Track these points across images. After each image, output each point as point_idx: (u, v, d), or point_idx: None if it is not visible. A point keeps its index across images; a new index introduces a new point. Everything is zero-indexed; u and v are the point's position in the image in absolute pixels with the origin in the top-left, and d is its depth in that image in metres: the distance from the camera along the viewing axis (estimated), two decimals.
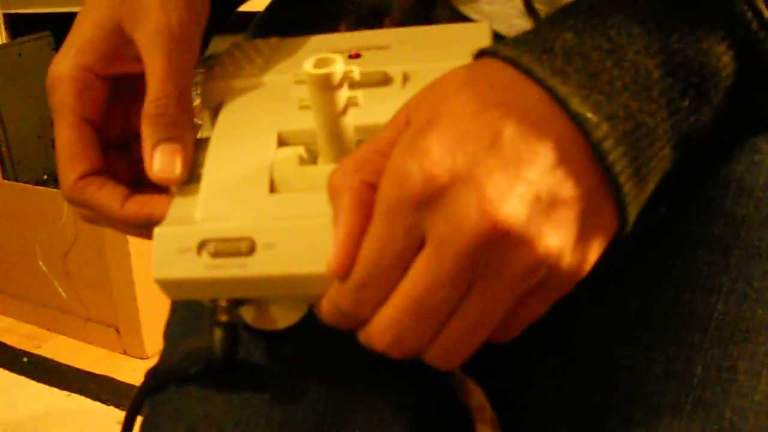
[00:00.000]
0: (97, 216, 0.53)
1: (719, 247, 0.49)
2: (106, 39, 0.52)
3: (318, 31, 0.59)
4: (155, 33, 0.50)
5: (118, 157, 0.55)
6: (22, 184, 1.78)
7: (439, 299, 0.40)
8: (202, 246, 0.46)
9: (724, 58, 0.42)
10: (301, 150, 0.49)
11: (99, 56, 0.52)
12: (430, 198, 0.39)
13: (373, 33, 0.58)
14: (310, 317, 0.49)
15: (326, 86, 0.45)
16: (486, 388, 0.52)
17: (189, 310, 0.61)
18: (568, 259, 0.40)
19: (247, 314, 0.52)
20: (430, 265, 0.39)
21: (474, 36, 0.56)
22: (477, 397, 0.51)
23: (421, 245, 0.40)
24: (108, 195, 0.51)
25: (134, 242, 1.64)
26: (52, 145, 1.84)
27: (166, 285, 0.48)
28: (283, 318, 0.52)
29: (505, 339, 0.44)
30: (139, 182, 0.54)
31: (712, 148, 0.47)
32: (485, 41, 0.55)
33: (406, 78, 0.52)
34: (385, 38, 0.56)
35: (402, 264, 0.40)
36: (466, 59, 0.46)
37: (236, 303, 0.50)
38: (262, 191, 0.48)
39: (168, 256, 0.47)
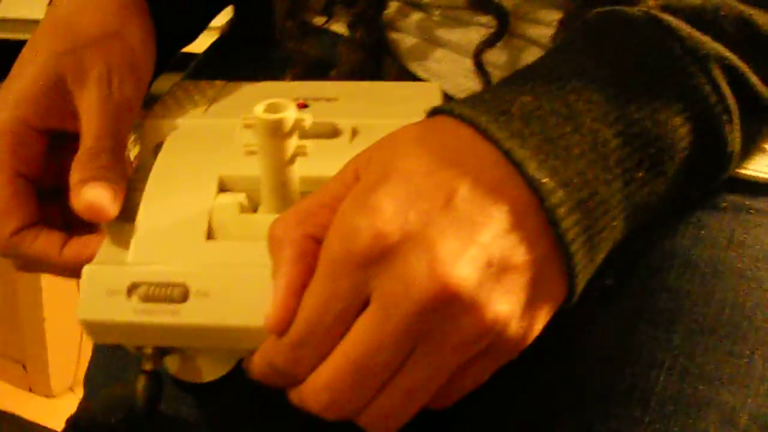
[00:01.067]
0: (33, 264, 0.50)
1: (662, 322, 0.48)
2: (45, 93, 0.51)
3: (262, 79, 0.57)
4: (97, 99, 0.50)
5: (50, 203, 0.52)
6: None
7: (380, 362, 0.38)
8: (132, 289, 0.44)
9: (681, 130, 0.42)
10: (242, 197, 0.48)
11: (37, 110, 0.51)
12: (379, 256, 0.38)
13: (320, 84, 0.57)
14: (239, 371, 0.47)
15: (276, 133, 0.44)
16: None
17: (112, 356, 0.59)
18: (515, 326, 0.39)
19: (172, 365, 0.50)
20: (373, 326, 0.38)
21: (424, 94, 0.55)
22: None
23: (364, 305, 0.39)
24: (44, 244, 0.49)
25: (46, 278, 1.60)
26: None
27: (92, 327, 0.45)
28: (209, 371, 0.50)
29: (442, 406, 0.43)
30: (72, 226, 0.52)
31: (657, 220, 0.46)
32: (436, 100, 0.54)
33: (354, 132, 0.51)
34: (332, 90, 0.55)
35: (343, 323, 0.39)
36: (417, 117, 0.45)
37: (162, 352, 0.48)
38: (199, 237, 0.46)
39: (96, 296, 0.45)
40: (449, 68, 0.59)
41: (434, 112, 0.43)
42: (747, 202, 0.51)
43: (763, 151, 0.52)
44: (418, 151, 0.40)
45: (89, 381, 0.61)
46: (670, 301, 0.49)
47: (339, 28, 0.64)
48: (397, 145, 0.41)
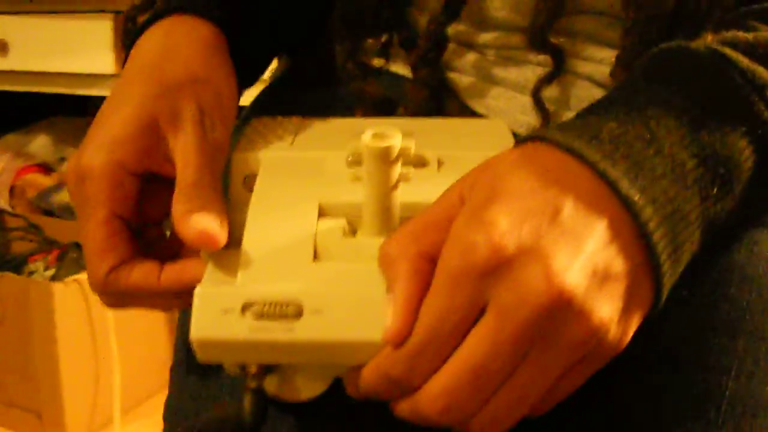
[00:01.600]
0: (129, 299, 0.52)
1: (727, 331, 0.52)
2: (140, 135, 0.53)
3: (329, 116, 0.60)
4: (193, 139, 0.52)
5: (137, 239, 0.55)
6: None
7: (497, 367, 0.42)
8: (246, 307, 0.46)
9: (745, 152, 0.46)
10: (343, 222, 0.50)
11: (132, 152, 0.52)
12: (496, 268, 0.41)
13: (393, 120, 0.59)
14: (335, 392, 0.50)
15: (384, 159, 0.46)
16: None
17: (190, 391, 0.61)
18: (613, 331, 0.43)
19: (270, 384, 0.52)
20: (491, 333, 0.41)
21: (493, 129, 0.58)
22: None
23: (479, 315, 0.42)
24: (142, 275, 0.51)
25: (61, 327, 1.60)
26: None
27: (205, 346, 0.47)
28: (308, 389, 0.52)
29: (540, 413, 0.46)
30: (161, 257, 0.54)
31: (714, 239, 0.50)
32: (505, 133, 0.57)
33: (440, 162, 0.54)
34: (406, 125, 0.57)
35: (461, 332, 0.42)
36: (494, 150, 0.49)
37: (266, 370, 0.49)
38: (306, 258, 0.48)
39: (210, 316, 0.46)
40: (507, 105, 0.63)
41: (526, 139, 0.47)
42: None
43: None
44: (521, 173, 0.43)
45: (170, 415, 0.63)
46: (731, 311, 0.52)
47: (397, 68, 0.68)
48: (500, 168, 0.44)
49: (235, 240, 0.50)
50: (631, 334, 0.45)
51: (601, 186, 0.43)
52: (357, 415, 0.53)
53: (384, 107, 0.64)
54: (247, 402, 0.49)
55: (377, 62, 0.68)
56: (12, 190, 2.02)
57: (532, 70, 0.62)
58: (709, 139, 0.46)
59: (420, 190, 0.49)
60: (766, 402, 0.50)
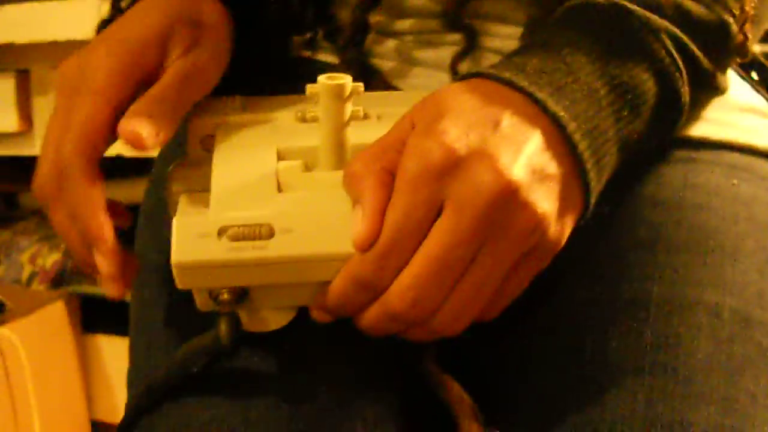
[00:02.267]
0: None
1: (646, 246, 0.59)
2: (155, 43, 0.58)
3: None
4: (180, 61, 0.58)
5: None
6: None
7: (457, 257, 0.48)
8: (222, 231, 0.51)
9: (648, 83, 0.55)
10: (300, 162, 0.56)
11: (147, 54, 0.58)
12: (450, 168, 0.48)
13: None
14: (301, 322, 0.55)
15: (339, 95, 0.53)
16: (462, 383, 0.58)
17: (150, 355, 0.64)
18: (553, 228, 0.50)
19: (241, 317, 0.56)
20: (450, 226, 0.48)
21: (419, 96, 0.65)
22: (455, 391, 0.57)
23: (437, 214, 0.48)
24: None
25: None
26: None
27: (184, 269, 0.51)
28: (274, 321, 0.56)
29: (491, 317, 0.53)
30: None
31: (627, 174, 0.58)
32: None
33: (379, 117, 0.60)
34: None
35: (422, 230, 0.48)
36: None
37: (238, 298, 0.53)
38: (271, 190, 0.54)
39: (189, 241, 0.51)
40: (428, 82, 0.71)
41: (464, 77, 0.55)
42: (693, 155, 0.64)
43: (702, 119, 0.66)
44: (464, 96, 0.51)
45: (135, 378, 0.66)
46: (647, 231, 0.60)
47: (324, 57, 0.75)
48: (445, 94, 0.52)
49: (201, 188, 0.56)
50: (567, 233, 0.52)
51: (531, 106, 0.51)
52: (324, 341, 0.58)
53: None
54: (223, 326, 0.54)
55: (305, 53, 0.75)
56: None
57: (447, 49, 0.70)
58: (617, 71, 0.54)
59: (366, 135, 0.55)
60: (690, 301, 0.57)
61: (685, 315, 0.57)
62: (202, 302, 0.55)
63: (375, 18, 0.72)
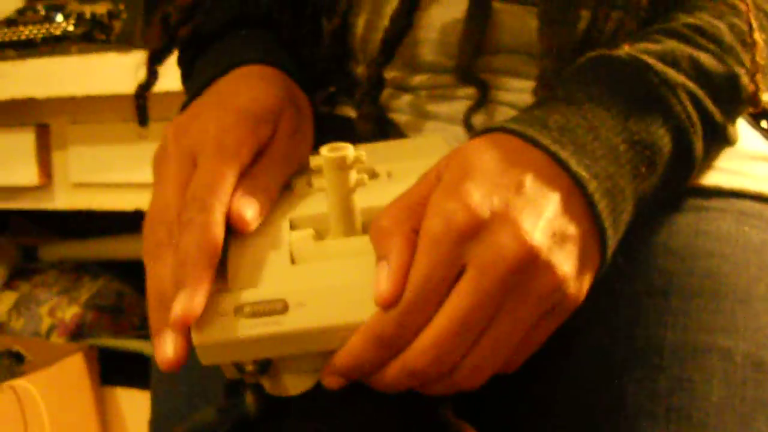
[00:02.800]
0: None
1: (659, 293, 0.60)
2: (271, 111, 0.61)
3: None
4: (278, 142, 0.61)
5: None
6: None
7: (478, 318, 0.49)
8: (238, 310, 0.53)
9: (664, 139, 0.57)
10: (311, 231, 0.57)
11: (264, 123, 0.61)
12: (474, 231, 0.49)
13: None
14: (319, 387, 0.56)
15: (341, 166, 0.54)
16: (479, 430, 0.59)
17: (173, 407, 0.65)
18: (573, 286, 0.51)
19: (265, 384, 0.57)
20: (472, 288, 0.49)
21: (431, 143, 0.67)
22: None
23: (459, 274, 0.49)
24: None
25: None
26: None
27: (206, 348, 0.53)
28: (295, 386, 0.57)
29: (510, 370, 0.54)
30: None
31: (640, 223, 0.59)
32: (443, 145, 0.65)
33: (389, 174, 0.62)
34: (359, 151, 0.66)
35: (444, 290, 0.50)
36: (436, 157, 0.57)
37: (262, 369, 0.55)
38: (285, 263, 0.55)
39: (207, 320, 0.53)
40: (442, 135, 0.72)
41: (485, 131, 0.56)
42: (705, 204, 0.65)
43: (713, 168, 0.67)
44: (488, 155, 0.53)
45: (157, 427, 0.67)
46: (660, 278, 0.61)
47: (342, 112, 0.78)
48: (469, 151, 0.53)
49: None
50: (586, 290, 0.53)
51: (553, 165, 0.52)
52: (340, 405, 0.59)
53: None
54: (249, 396, 0.56)
55: (324, 109, 0.78)
56: None
57: (460, 103, 0.72)
58: (636, 127, 0.56)
59: (375, 197, 0.57)
60: (702, 346, 0.58)
61: (698, 360, 0.58)
62: (228, 372, 0.56)
63: (391, 74, 0.74)
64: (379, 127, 0.73)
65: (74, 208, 1.75)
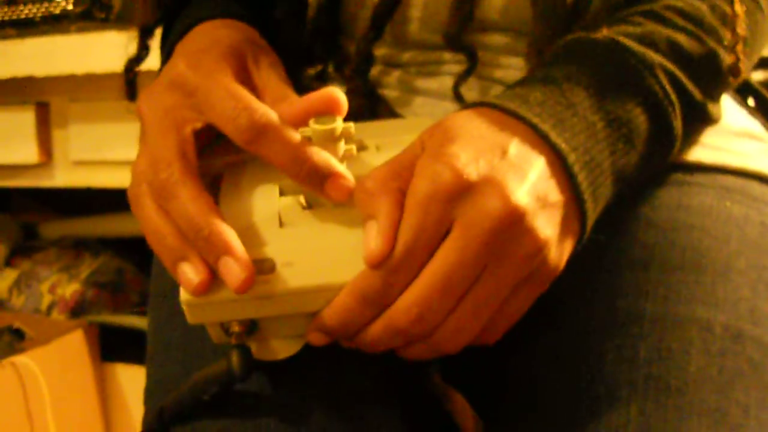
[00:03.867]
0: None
1: (640, 266, 0.62)
2: (238, 59, 0.62)
3: None
4: (272, 71, 0.63)
5: None
6: None
7: (462, 276, 0.51)
8: None
9: (641, 117, 0.58)
10: (300, 198, 0.58)
11: (236, 66, 0.61)
12: (460, 192, 0.50)
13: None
14: (306, 351, 0.57)
15: (330, 138, 0.55)
16: (465, 397, 0.60)
17: (168, 374, 0.67)
18: (554, 253, 0.53)
19: (252, 347, 0.58)
20: (457, 246, 0.50)
21: (420, 122, 0.67)
22: (459, 403, 0.59)
23: (445, 234, 0.51)
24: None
25: None
26: None
27: (193, 306, 0.54)
28: (283, 350, 0.59)
29: (492, 340, 0.55)
30: None
31: (623, 197, 0.61)
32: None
33: (378, 147, 0.63)
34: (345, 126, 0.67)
35: (431, 249, 0.51)
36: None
37: (248, 330, 0.56)
38: (273, 226, 0.56)
39: None
40: (431, 111, 0.74)
41: (470, 105, 0.57)
42: (688, 178, 0.66)
43: (697, 143, 0.68)
44: (473, 123, 0.54)
45: (150, 396, 0.68)
46: (641, 251, 0.62)
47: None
48: (454, 120, 0.55)
49: None
50: (565, 258, 0.55)
51: (535, 136, 0.54)
52: (329, 366, 0.61)
53: None
54: (235, 357, 0.56)
55: (316, 85, 0.78)
56: None
57: (450, 78, 0.72)
58: (612, 106, 0.57)
59: (364, 167, 0.58)
60: (682, 317, 0.60)
61: (677, 330, 0.59)
62: (215, 335, 0.58)
63: (381, 51, 0.75)
64: (369, 103, 0.74)
65: (74, 185, 1.76)
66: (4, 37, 1.71)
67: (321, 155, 0.55)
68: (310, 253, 0.54)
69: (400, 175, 0.53)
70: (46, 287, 1.91)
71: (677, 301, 0.60)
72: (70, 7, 1.70)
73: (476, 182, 0.50)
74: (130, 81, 0.77)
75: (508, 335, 0.56)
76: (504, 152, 0.52)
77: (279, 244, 0.55)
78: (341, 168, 0.55)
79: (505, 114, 0.55)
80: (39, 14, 1.73)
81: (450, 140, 0.52)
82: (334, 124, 0.55)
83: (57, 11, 1.71)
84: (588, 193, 0.54)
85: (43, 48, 1.63)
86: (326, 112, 0.57)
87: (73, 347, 1.75)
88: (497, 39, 0.72)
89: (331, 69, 0.79)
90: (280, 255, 0.54)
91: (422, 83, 0.75)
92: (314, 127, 0.55)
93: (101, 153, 1.70)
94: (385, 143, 0.63)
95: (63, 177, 1.77)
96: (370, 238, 0.51)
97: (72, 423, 1.75)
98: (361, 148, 0.63)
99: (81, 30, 1.65)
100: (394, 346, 0.55)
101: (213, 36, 0.63)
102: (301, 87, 0.77)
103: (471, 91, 0.72)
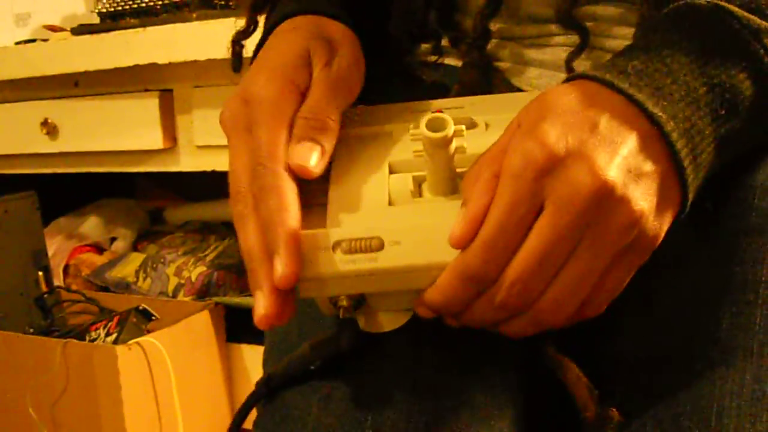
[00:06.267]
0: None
1: (755, 232, 0.60)
2: (302, 64, 0.62)
3: (392, 99, 0.68)
4: (324, 71, 0.61)
5: None
6: (14, 333, 1.79)
7: (559, 251, 0.51)
8: (336, 245, 0.54)
9: (745, 83, 0.56)
10: (409, 177, 0.58)
11: (299, 75, 0.61)
12: (551, 168, 0.50)
13: (446, 100, 0.67)
14: (415, 322, 0.58)
15: (442, 145, 0.54)
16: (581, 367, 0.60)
17: (285, 337, 0.68)
18: (651, 224, 0.52)
19: (360, 320, 0.59)
20: (551, 222, 0.50)
21: (529, 97, 0.66)
22: (573, 371, 0.59)
23: (538, 211, 0.51)
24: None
25: (126, 389, 1.66)
26: (35, 302, 1.89)
27: (303, 281, 0.55)
28: (389, 323, 0.59)
29: (594, 313, 0.55)
30: None
31: (737, 165, 0.60)
32: None
33: (487, 125, 0.62)
34: (457, 102, 0.66)
35: (525, 225, 0.51)
36: None
37: (356, 304, 0.57)
38: (383, 204, 0.57)
39: (307, 255, 0.54)
40: (546, 82, 0.73)
41: (569, 79, 0.57)
42: None
43: None
44: (566, 98, 0.54)
45: (269, 357, 0.71)
46: (758, 217, 0.61)
47: (449, 61, 0.78)
48: (549, 96, 0.54)
49: (321, 201, 0.59)
50: (665, 229, 0.54)
51: (630, 107, 0.53)
52: (437, 338, 0.61)
53: (439, 91, 0.72)
54: (343, 330, 0.58)
55: (432, 58, 0.78)
56: (66, 270, 2.11)
57: (562, 50, 0.72)
58: (715, 72, 0.55)
59: (475, 144, 0.57)
60: None
61: None
62: (324, 308, 0.59)
63: (496, 25, 0.74)
64: (484, 75, 0.73)
65: (199, 169, 1.80)
66: (127, 27, 1.75)
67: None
68: (417, 232, 0.54)
69: (496, 160, 0.53)
70: (172, 270, 1.96)
71: None
72: None
73: (565, 157, 0.51)
74: (237, 54, 0.78)
75: (615, 306, 0.56)
76: (594, 126, 0.52)
77: (387, 222, 0.55)
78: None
79: (601, 85, 0.54)
80: (159, 3, 1.77)
81: (542, 117, 0.52)
82: (446, 131, 0.54)
83: None
84: (688, 161, 0.53)
85: (165, 36, 1.67)
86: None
87: (199, 328, 1.79)
88: (609, 10, 0.71)
89: (445, 43, 0.78)
90: (388, 233, 0.54)
91: (536, 55, 0.74)
92: (426, 135, 0.54)
93: (224, 137, 1.73)
94: (494, 120, 0.62)
95: (188, 162, 1.81)
96: (457, 222, 0.52)
97: (198, 403, 1.79)
98: (471, 125, 0.62)
99: (201, 17, 1.68)
100: (497, 321, 0.55)
101: (286, 43, 0.64)
102: (414, 64, 0.76)
103: (583, 61, 0.70)
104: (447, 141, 0.54)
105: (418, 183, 0.59)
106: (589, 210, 0.50)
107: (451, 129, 0.54)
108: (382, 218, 0.56)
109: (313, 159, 0.57)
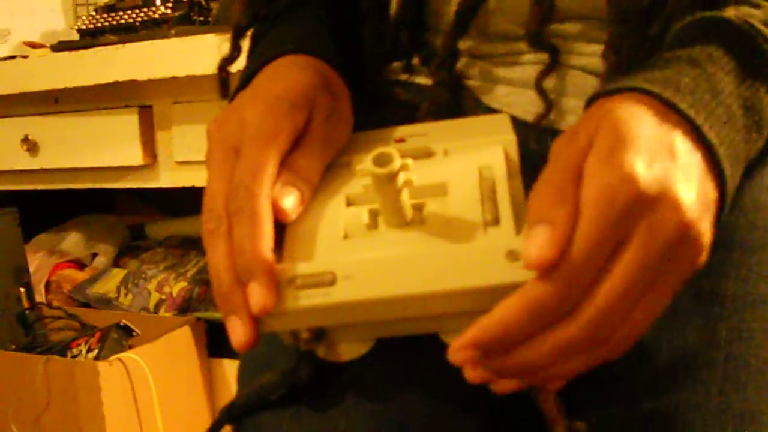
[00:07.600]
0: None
1: (721, 247, 0.60)
2: (303, 93, 0.62)
3: (361, 120, 0.69)
4: (312, 130, 0.62)
5: None
6: None
7: (641, 286, 0.49)
8: (290, 281, 0.55)
9: None
10: (365, 211, 0.59)
11: (298, 103, 0.61)
12: (639, 206, 0.49)
13: (411, 126, 0.68)
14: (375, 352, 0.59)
15: (387, 180, 0.55)
16: None
17: (257, 359, 0.69)
18: (707, 252, 0.52)
19: (319, 350, 0.60)
20: (638, 258, 0.49)
21: (496, 121, 0.67)
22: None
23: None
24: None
25: (107, 405, 1.66)
26: (17, 318, 1.88)
27: (261, 320, 0.56)
28: (349, 352, 0.60)
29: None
30: None
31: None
32: (506, 125, 0.65)
33: (446, 152, 0.62)
34: (422, 129, 0.67)
35: (606, 260, 0.49)
36: (499, 135, 0.60)
37: (316, 336, 0.58)
38: (337, 237, 0.58)
39: None
40: (515, 99, 0.74)
41: (620, 90, 0.55)
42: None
43: None
44: (639, 120, 0.52)
45: (241, 379, 0.71)
46: (724, 232, 0.58)
47: (419, 80, 0.79)
48: (619, 115, 0.52)
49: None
50: None
51: (691, 131, 0.53)
52: (398, 366, 0.62)
53: (408, 111, 0.73)
54: (301, 363, 0.59)
55: (402, 77, 0.80)
56: (47, 286, 2.10)
57: (532, 68, 0.73)
58: (748, 93, 0.57)
59: (433, 173, 0.59)
60: (762, 297, 0.60)
61: (758, 311, 0.60)
62: (286, 339, 0.59)
63: (465, 44, 0.75)
64: (454, 93, 0.74)
65: (179, 185, 1.80)
66: (106, 44, 1.76)
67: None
68: (369, 266, 0.55)
69: (572, 181, 0.50)
70: (153, 286, 1.96)
71: (757, 281, 0.60)
72: (168, 11, 1.74)
73: (655, 196, 0.49)
74: (223, 80, 0.79)
75: None
76: (672, 154, 0.51)
77: (341, 256, 0.56)
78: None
79: (663, 104, 0.53)
80: (138, 20, 1.77)
81: (621, 142, 0.50)
82: (392, 165, 0.54)
83: (156, 16, 1.75)
84: (731, 188, 0.54)
85: (145, 53, 1.67)
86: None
87: (180, 343, 1.80)
88: (577, 27, 0.72)
89: (416, 62, 0.79)
90: (341, 268, 0.55)
91: (505, 73, 0.75)
92: (372, 170, 0.54)
93: (204, 153, 1.73)
94: (455, 147, 0.63)
95: (167, 177, 1.81)
96: (543, 243, 0.49)
97: (179, 417, 1.79)
98: (427, 155, 0.63)
99: (180, 34, 1.69)
100: (551, 362, 0.52)
101: (292, 80, 0.63)
102: (386, 82, 0.77)
103: (550, 78, 0.71)
104: (392, 176, 0.54)
105: (374, 215, 0.59)
106: (673, 246, 0.49)
107: (396, 164, 0.54)
108: (336, 252, 0.57)
109: (291, 202, 0.58)
